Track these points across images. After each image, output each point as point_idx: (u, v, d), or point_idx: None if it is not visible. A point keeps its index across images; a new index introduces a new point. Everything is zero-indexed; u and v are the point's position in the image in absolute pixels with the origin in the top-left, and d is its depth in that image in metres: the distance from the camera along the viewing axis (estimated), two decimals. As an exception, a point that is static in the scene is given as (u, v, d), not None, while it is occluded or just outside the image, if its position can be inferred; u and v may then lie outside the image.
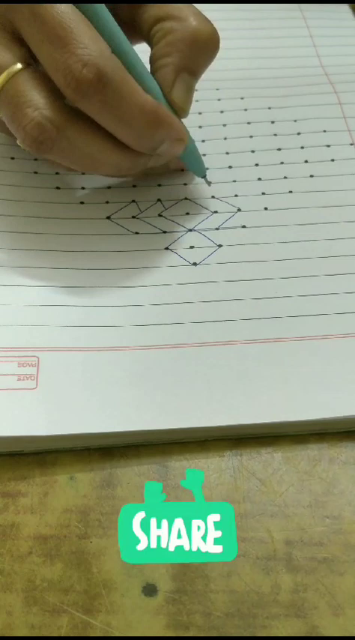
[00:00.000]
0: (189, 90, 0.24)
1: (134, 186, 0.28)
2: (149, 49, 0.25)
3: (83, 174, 0.29)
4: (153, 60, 0.24)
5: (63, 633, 0.18)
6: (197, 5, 0.27)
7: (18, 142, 0.23)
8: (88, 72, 0.21)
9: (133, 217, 0.27)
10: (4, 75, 0.22)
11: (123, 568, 0.19)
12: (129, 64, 0.22)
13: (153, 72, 0.24)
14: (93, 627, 0.18)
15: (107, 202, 0.28)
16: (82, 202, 0.28)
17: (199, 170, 0.27)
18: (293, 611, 0.18)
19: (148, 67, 0.24)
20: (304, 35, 0.35)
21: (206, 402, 0.22)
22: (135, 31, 0.25)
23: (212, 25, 0.24)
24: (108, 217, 0.27)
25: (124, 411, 0.21)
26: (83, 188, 0.28)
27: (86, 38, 0.21)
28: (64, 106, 0.22)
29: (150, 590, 0.19)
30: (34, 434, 0.21)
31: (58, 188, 0.28)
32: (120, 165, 0.24)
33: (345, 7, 0.37)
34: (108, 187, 0.28)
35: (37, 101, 0.21)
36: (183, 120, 0.25)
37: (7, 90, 0.22)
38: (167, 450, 0.21)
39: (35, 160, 0.29)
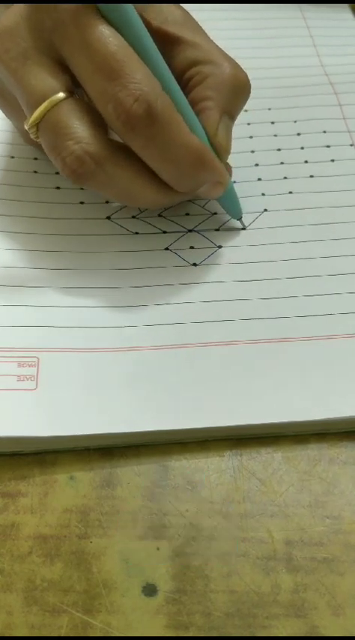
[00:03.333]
0: (230, 132, 0.25)
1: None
2: None
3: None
4: (193, 102, 0.24)
5: (63, 633, 0.18)
6: (197, 5, 0.27)
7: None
8: (138, 106, 0.21)
9: (133, 217, 0.27)
10: (47, 103, 0.22)
11: (123, 568, 0.19)
12: (176, 103, 0.23)
13: (195, 113, 0.24)
14: (93, 627, 0.18)
15: (107, 202, 0.28)
16: (81, 202, 0.28)
17: (235, 212, 0.27)
18: (293, 611, 0.18)
19: None
20: (304, 35, 0.35)
21: (206, 402, 0.22)
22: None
23: (243, 70, 0.25)
24: (108, 217, 0.27)
25: (124, 412, 0.21)
26: (83, 188, 0.28)
27: (139, 73, 0.21)
28: (105, 140, 0.22)
29: (150, 590, 0.19)
30: (34, 434, 0.21)
31: (58, 188, 0.28)
32: (155, 202, 0.25)
33: (345, 7, 0.37)
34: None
35: (78, 133, 0.22)
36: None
37: (48, 118, 0.22)
38: (167, 450, 0.21)
39: (35, 159, 0.29)
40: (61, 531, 0.20)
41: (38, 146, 0.24)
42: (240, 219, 0.27)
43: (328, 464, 0.21)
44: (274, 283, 0.25)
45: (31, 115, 0.22)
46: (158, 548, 0.19)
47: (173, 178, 0.23)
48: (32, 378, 0.22)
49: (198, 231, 0.27)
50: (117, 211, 0.27)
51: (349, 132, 0.30)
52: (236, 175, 0.29)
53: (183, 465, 0.21)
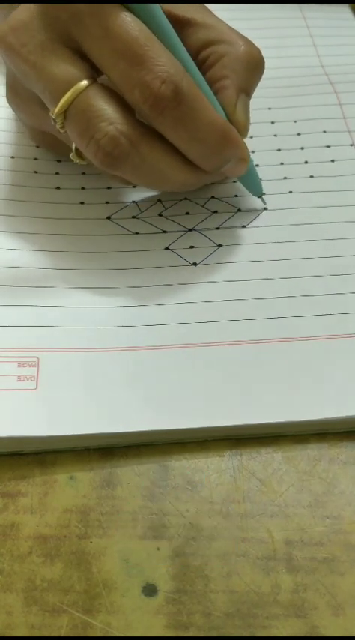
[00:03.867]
0: (248, 109, 0.26)
1: (134, 186, 0.28)
2: None
3: (108, 187, 0.29)
4: (210, 82, 0.25)
5: (63, 633, 0.18)
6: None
7: (73, 155, 0.24)
8: (166, 88, 0.21)
9: (133, 217, 0.27)
10: (73, 90, 0.22)
11: (123, 568, 0.19)
12: (197, 84, 0.23)
13: (213, 92, 0.24)
14: (93, 627, 0.18)
15: (107, 202, 0.28)
16: (82, 202, 0.28)
17: (256, 190, 0.27)
18: (293, 611, 0.18)
19: None
20: (304, 35, 0.35)
21: (206, 402, 0.22)
22: None
23: (257, 47, 0.25)
24: (108, 217, 0.27)
25: (124, 412, 0.21)
26: (83, 188, 0.28)
27: (163, 56, 0.22)
28: (136, 121, 0.23)
29: (150, 590, 0.19)
30: (34, 434, 0.21)
31: (58, 188, 0.28)
32: (185, 182, 0.25)
33: (345, 7, 0.37)
34: (108, 188, 0.28)
35: (110, 115, 0.22)
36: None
37: (77, 104, 0.22)
38: (167, 450, 0.21)
39: (35, 159, 0.29)
40: (61, 531, 0.20)
41: (47, 145, 0.25)
42: (261, 196, 0.27)
43: (328, 464, 0.21)
44: (274, 283, 0.25)
45: (57, 104, 0.22)
46: (158, 548, 0.19)
47: (200, 157, 0.24)
48: (32, 378, 0.22)
49: (198, 231, 0.27)
50: (117, 211, 0.27)
51: (349, 132, 0.30)
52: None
53: (183, 465, 0.21)
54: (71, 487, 0.21)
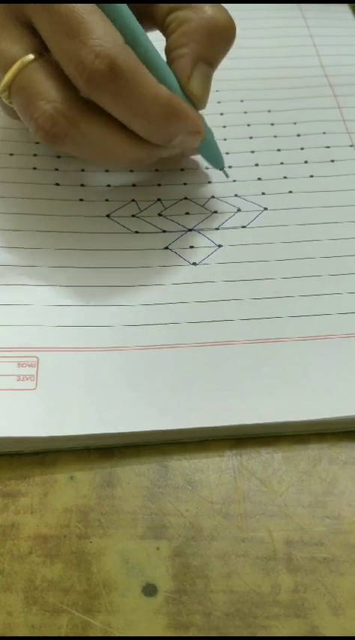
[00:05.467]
0: (207, 80, 0.24)
1: (134, 185, 0.28)
2: (164, 38, 0.24)
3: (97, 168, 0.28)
4: (168, 50, 0.24)
5: (63, 633, 0.18)
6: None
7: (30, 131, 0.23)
8: (100, 63, 0.20)
9: (133, 216, 0.27)
10: (17, 65, 0.21)
11: (123, 568, 0.19)
12: (144, 54, 0.22)
13: (169, 63, 0.24)
14: (93, 627, 0.18)
15: (107, 200, 0.28)
16: (81, 199, 0.28)
17: (217, 162, 0.27)
18: (293, 611, 0.18)
19: (164, 57, 0.24)
20: (304, 35, 0.35)
21: (206, 402, 0.22)
22: (150, 20, 0.24)
23: (227, 12, 0.24)
24: (107, 215, 0.27)
25: (124, 412, 0.21)
26: (82, 185, 0.28)
27: (99, 29, 0.21)
28: (76, 98, 0.22)
29: (150, 590, 0.19)
30: (33, 434, 0.21)
31: (57, 185, 0.28)
32: (134, 157, 0.24)
33: (345, 7, 0.37)
34: (108, 185, 0.28)
35: (49, 93, 0.21)
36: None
37: (19, 81, 0.22)
38: (167, 450, 0.21)
39: (34, 155, 0.29)
40: (61, 531, 0.20)
41: (14, 114, 0.24)
42: (222, 169, 0.27)
43: (328, 464, 0.21)
44: (274, 283, 0.25)
45: (3, 78, 0.22)
46: (158, 548, 0.19)
47: (145, 131, 0.23)
48: (32, 378, 0.22)
49: (197, 231, 0.27)
50: (117, 209, 0.27)
51: (348, 133, 0.30)
52: (235, 174, 0.29)
53: (183, 465, 0.21)
54: (71, 487, 0.21)
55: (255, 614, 0.18)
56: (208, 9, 0.23)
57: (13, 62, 0.22)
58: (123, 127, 0.23)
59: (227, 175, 0.27)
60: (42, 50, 0.22)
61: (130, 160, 0.25)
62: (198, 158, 0.29)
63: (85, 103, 0.22)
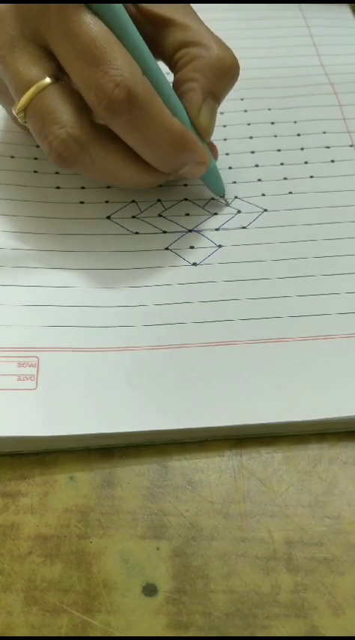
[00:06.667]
0: (214, 114, 0.25)
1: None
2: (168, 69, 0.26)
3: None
4: (178, 83, 0.25)
5: (63, 633, 0.18)
6: (197, 5, 0.27)
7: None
8: (119, 92, 0.21)
9: (133, 217, 0.27)
10: (33, 89, 0.22)
11: (123, 568, 0.19)
12: (157, 86, 0.23)
13: (178, 95, 0.25)
14: (93, 627, 0.18)
15: (107, 202, 0.28)
16: (81, 202, 0.28)
17: (218, 190, 0.27)
18: (293, 611, 0.18)
19: None
20: (304, 35, 0.35)
21: (206, 402, 0.22)
22: (157, 51, 0.25)
23: (233, 53, 0.25)
24: (108, 217, 0.27)
25: (124, 412, 0.21)
26: (83, 188, 0.28)
27: (119, 59, 0.22)
28: (90, 124, 0.23)
29: (150, 590, 0.19)
30: (33, 434, 0.21)
31: (58, 187, 0.28)
32: (140, 182, 0.25)
33: (345, 7, 0.37)
34: (108, 187, 0.28)
35: (63, 118, 0.22)
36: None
37: (35, 104, 0.22)
38: (167, 450, 0.21)
39: (35, 159, 0.29)
40: (61, 531, 0.20)
41: (28, 131, 0.25)
42: (222, 196, 0.28)
43: (328, 464, 0.21)
44: (274, 283, 0.25)
45: (19, 100, 0.23)
46: (158, 548, 0.19)
47: (156, 160, 0.24)
48: (32, 378, 0.22)
49: (198, 231, 0.27)
50: (117, 211, 0.27)
51: (349, 132, 0.30)
52: (235, 176, 0.29)
53: (183, 465, 0.21)
54: (71, 487, 0.21)
55: (255, 614, 0.18)
56: (216, 48, 0.25)
57: (30, 85, 0.22)
58: (132, 154, 0.24)
59: (227, 203, 0.28)
60: (58, 74, 0.23)
61: (136, 184, 0.25)
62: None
63: (98, 128, 0.23)
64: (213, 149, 0.27)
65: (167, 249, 0.26)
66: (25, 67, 0.22)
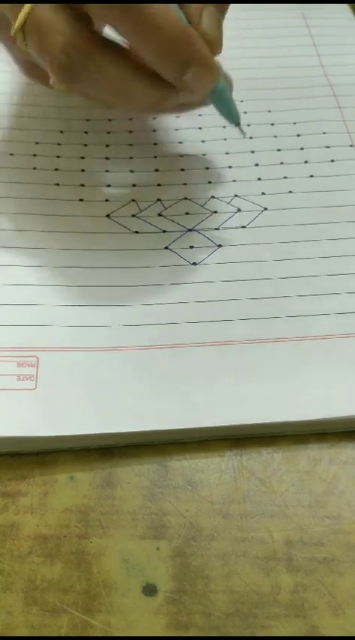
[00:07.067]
0: (218, 23, 0.23)
1: (134, 185, 0.28)
2: None
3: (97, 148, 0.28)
4: None
5: (63, 633, 0.18)
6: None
7: (52, 81, 0.23)
8: None
9: (133, 216, 0.27)
10: (28, 6, 0.22)
11: (123, 568, 0.19)
12: None
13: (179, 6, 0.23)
14: (93, 627, 0.18)
15: (107, 200, 0.28)
16: (81, 199, 0.28)
17: (232, 116, 0.26)
18: (293, 611, 0.18)
19: None
20: (304, 35, 0.35)
21: (206, 402, 0.22)
22: None
23: None
24: (107, 215, 0.27)
25: (124, 412, 0.21)
26: (82, 185, 0.28)
27: None
28: (90, 33, 0.22)
29: (150, 590, 0.19)
30: (33, 434, 0.21)
31: (57, 185, 0.28)
32: (149, 99, 0.24)
33: (345, 7, 0.37)
34: (108, 185, 0.28)
35: (62, 28, 0.21)
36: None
37: (32, 20, 0.22)
38: (167, 450, 0.21)
39: (34, 155, 0.29)
40: (61, 531, 0.20)
41: (34, 76, 0.24)
42: (238, 125, 0.26)
43: (328, 464, 0.21)
44: (274, 282, 0.25)
45: (16, 20, 0.22)
46: (158, 548, 0.19)
47: (156, 56, 0.22)
48: (32, 378, 0.22)
49: (197, 231, 0.27)
50: (117, 209, 0.27)
51: (348, 133, 0.30)
52: (235, 175, 0.29)
53: (183, 465, 0.21)
54: (71, 487, 0.20)
55: (255, 614, 0.18)
56: None
57: (25, 2, 0.22)
58: (137, 64, 0.23)
59: (243, 133, 0.26)
60: None
61: (145, 103, 0.24)
62: (198, 158, 0.29)
63: (99, 38, 0.22)
64: (228, 80, 0.25)
65: (167, 248, 0.26)
66: None
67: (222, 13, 0.24)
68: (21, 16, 0.22)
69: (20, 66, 0.27)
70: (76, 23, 0.22)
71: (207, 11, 0.23)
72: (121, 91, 0.23)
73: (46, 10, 0.22)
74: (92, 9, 0.21)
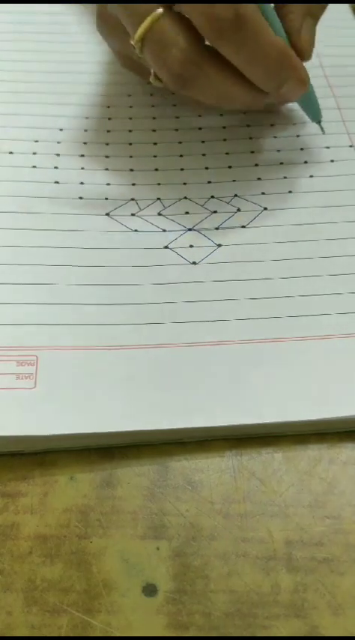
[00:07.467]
0: (313, 34, 0.27)
1: (133, 184, 0.28)
2: None
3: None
4: (279, 5, 0.26)
5: (63, 633, 0.18)
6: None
7: (152, 78, 0.26)
8: (228, 13, 0.23)
9: (133, 215, 0.27)
10: (150, 18, 0.24)
11: (123, 568, 0.19)
12: (261, 8, 0.25)
13: (279, 17, 0.26)
14: (93, 627, 0.18)
15: (106, 199, 0.28)
16: (80, 198, 0.28)
17: (315, 115, 0.29)
18: (293, 611, 0.18)
19: None
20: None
21: (206, 401, 0.22)
22: None
23: None
24: (107, 214, 0.27)
25: (124, 411, 0.21)
26: (82, 184, 0.28)
27: None
28: (204, 47, 0.25)
29: (150, 590, 0.19)
30: (32, 433, 0.21)
31: (56, 183, 0.28)
32: (245, 101, 0.27)
33: (345, 7, 0.37)
34: (108, 184, 0.28)
35: (179, 41, 0.24)
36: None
37: (153, 32, 0.24)
38: (167, 450, 0.21)
39: (34, 154, 0.29)
40: (61, 531, 0.20)
41: (132, 68, 0.28)
42: (319, 122, 0.29)
43: (328, 464, 0.21)
44: (273, 282, 0.25)
45: (136, 30, 0.24)
46: (158, 548, 0.19)
47: (260, 78, 0.25)
48: (31, 377, 0.22)
49: (197, 230, 0.27)
50: (116, 208, 0.27)
51: (348, 134, 0.30)
52: (236, 174, 0.29)
53: (183, 465, 0.21)
54: (71, 487, 0.20)
55: (255, 614, 0.18)
56: None
57: (146, 15, 0.24)
58: (239, 74, 0.25)
59: (323, 130, 0.29)
60: (170, 5, 0.25)
61: (241, 104, 0.27)
62: (198, 158, 0.29)
63: (209, 50, 0.25)
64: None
65: (166, 247, 0.26)
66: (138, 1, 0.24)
67: (317, 20, 0.28)
68: (142, 27, 0.24)
69: (118, 57, 0.30)
70: (193, 38, 0.24)
71: (306, 24, 0.27)
72: (223, 96, 0.26)
73: (167, 24, 0.24)
74: (209, 36, 0.24)
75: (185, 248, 0.26)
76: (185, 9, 0.24)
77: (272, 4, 0.26)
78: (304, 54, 0.27)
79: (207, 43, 0.24)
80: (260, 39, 0.24)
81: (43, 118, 0.31)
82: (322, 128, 0.29)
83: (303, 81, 0.26)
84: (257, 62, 0.25)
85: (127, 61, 0.30)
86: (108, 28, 0.28)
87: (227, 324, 0.24)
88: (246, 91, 0.26)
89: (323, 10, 0.28)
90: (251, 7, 0.24)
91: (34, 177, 0.28)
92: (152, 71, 0.26)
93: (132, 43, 0.25)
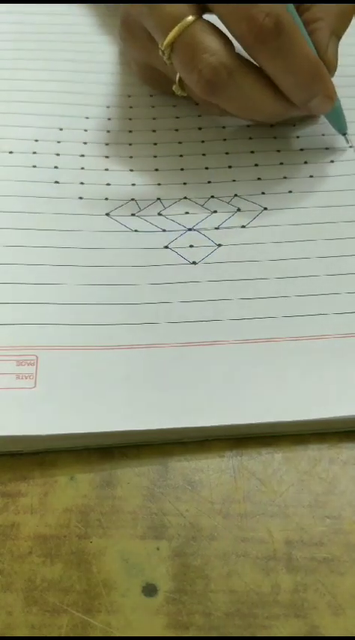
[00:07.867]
0: (337, 51, 0.28)
1: (133, 184, 0.28)
2: None
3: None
4: (306, 22, 0.27)
5: (63, 633, 0.18)
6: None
7: (176, 87, 0.27)
8: (269, 21, 0.24)
9: (133, 215, 0.27)
10: (181, 24, 0.25)
11: (123, 568, 0.19)
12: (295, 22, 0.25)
13: (308, 32, 0.27)
14: (93, 627, 0.18)
15: (106, 199, 0.28)
16: (80, 198, 0.28)
17: (341, 127, 0.29)
18: (293, 611, 0.18)
19: None
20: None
21: (206, 401, 0.22)
22: None
23: None
24: (107, 214, 0.27)
25: (124, 411, 0.21)
26: (82, 183, 0.28)
27: None
28: (235, 54, 0.25)
29: (150, 590, 0.19)
30: (32, 433, 0.21)
31: (56, 182, 0.28)
32: (273, 113, 0.27)
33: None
34: (108, 184, 0.28)
35: (213, 47, 0.24)
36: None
37: (184, 37, 0.25)
38: (167, 450, 0.21)
39: (34, 153, 0.29)
40: (61, 531, 0.20)
41: (151, 81, 0.29)
42: (345, 134, 0.29)
43: (328, 464, 0.21)
44: (273, 282, 0.25)
45: (165, 37, 0.25)
46: (158, 548, 0.19)
47: (292, 88, 0.26)
48: (31, 377, 0.22)
49: (197, 230, 0.27)
50: (116, 208, 0.27)
51: (348, 134, 0.30)
52: (236, 174, 0.29)
53: (183, 465, 0.21)
54: (71, 487, 0.20)
55: (255, 614, 0.18)
56: None
57: (176, 23, 0.25)
58: (270, 83, 0.26)
59: (348, 142, 0.29)
60: (199, 11, 0.25)
61: (267, 114, 0.28)
62: (198, 158, 0.29)
63: (241, 58, 0.25)
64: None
65: (166, 247, 0.26)
66: (169, 7, 0.25)
67: (339, 39, 0.28)
68: (173, 33, 0.25)
69: (138, 69, 0.30)
70: (225, 46, 0.25)
71: (332, 42, 0.28)
72: (250, 106, 0.27)
73: (199, 30, 0.25)
74: (249, 43, 0.24)
75: (185, 248, 0.26)
76: (222, 13, 0.24)
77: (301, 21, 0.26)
78: (331, 70, 0.27)
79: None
80: (296, 49, 0.25)
81: (43, 117, 0.31)
82: (347, 140, 0.29)
83: (331, 97, 0.27)
84: (291, 71, 0.25)
85: (148, 71, 0.30)
86: (132, 36, 0.28)
87: (228, 324, 0.24)
88: (274, 101, 0.26)
89: (345, 30, 0.28)
90: (290, 17, 0.24)
91: (34, 177, 0.28)
92: (176, 79, 0.26)
93: (160, 48, 0.25)
